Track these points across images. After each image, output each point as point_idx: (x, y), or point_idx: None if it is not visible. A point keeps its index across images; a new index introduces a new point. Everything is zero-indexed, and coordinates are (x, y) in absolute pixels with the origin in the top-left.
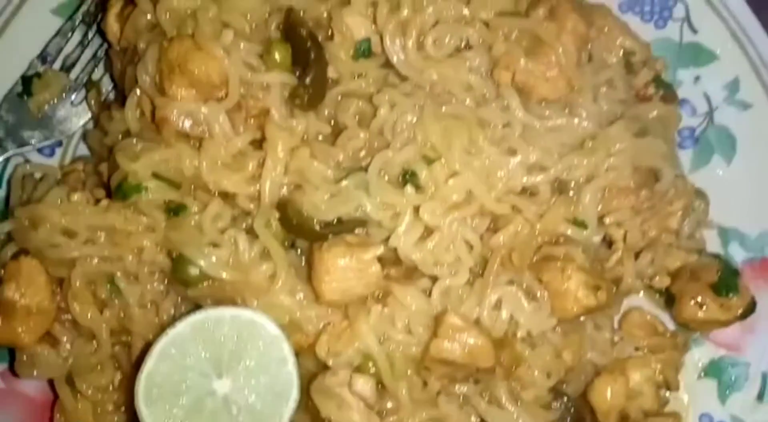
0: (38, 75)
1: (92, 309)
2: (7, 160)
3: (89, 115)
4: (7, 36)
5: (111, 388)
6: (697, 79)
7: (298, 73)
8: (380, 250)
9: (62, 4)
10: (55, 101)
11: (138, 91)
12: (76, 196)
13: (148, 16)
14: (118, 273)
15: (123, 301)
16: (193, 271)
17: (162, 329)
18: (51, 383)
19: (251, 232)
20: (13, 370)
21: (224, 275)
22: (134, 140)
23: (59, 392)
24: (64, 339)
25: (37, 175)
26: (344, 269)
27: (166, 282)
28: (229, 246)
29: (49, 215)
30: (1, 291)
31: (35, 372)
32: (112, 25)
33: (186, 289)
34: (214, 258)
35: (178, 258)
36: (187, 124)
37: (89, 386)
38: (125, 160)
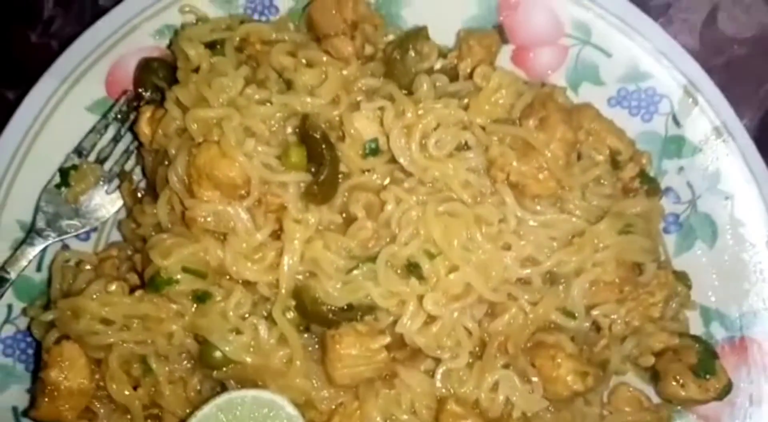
0: (74, 167)
1: (127, 388)
2: (45, 247)
3: (121, 202)
4: (46, 132)
5: None
6: (680, 169)
7: (312, 170)
8: (387, 340)
9: (96, 102)
10: (90, 191)
11: (168, 192)
12: (113, 287)
13: (177, 122)
14: (150, 355)
15: (154, 379)
16: (218, 355)
17: (189, 404)
18: None
19: (270, 318)
20: None
21: (247, 359)
22: (165, 236)
23: None
24: (101, 412)
25: (74, 261)
26: (354, 357)
27: (193, 362)
28: (250, 332)
29: (89, 307)
30: (47, 374)
31: None
32: (144, 128)
33: (212, 372)
34: (237, 344)
35: (204, 345)
36: (213, 221)
37: None
38: (158, 256)
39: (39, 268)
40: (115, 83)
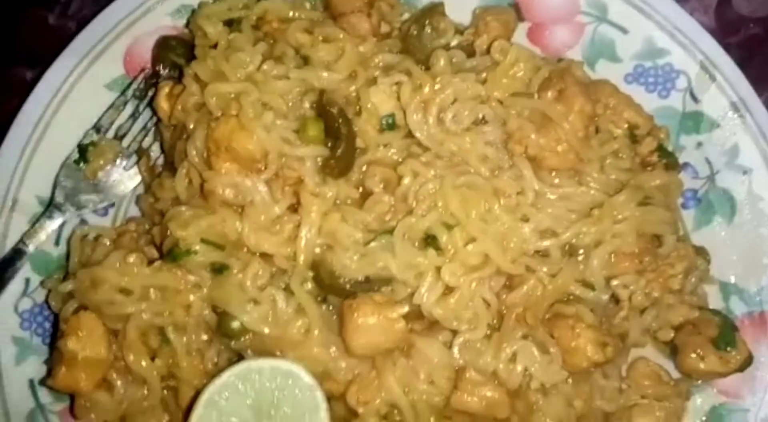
0: (93, 143)
1: (144, 358)
2: (64, 222)
3: (139, 178)
4: (65, 109)
5: None
6: (699, 144)
7: (330, 145)
8: (405, 310)
9: (114, 79)
10: (109, 167)
11: (187, 165)
12: (132, 258)
13: (196, 98)
14: (168, 326)
15: (171, 350)
16: (236, 325)
17: (207, 375)
18: None
19: (288, 290)
20: (72, 411)
21: (265, 329)
22: (183, 208)
23: None
24: (119, 384)
25: (93, 236)
26: (372, 327)
27: (210, 333)
28: (268, 302)
29: (108, 276)
30: (64, 343)
31: (92, 416)
32: (162, 104)
33: (230, 341)
34: (255, 315)
35: (222, 315)
36: (231, 193)
37: None
38: (176, 227)
39: (57, 243)
40: (133, 61)
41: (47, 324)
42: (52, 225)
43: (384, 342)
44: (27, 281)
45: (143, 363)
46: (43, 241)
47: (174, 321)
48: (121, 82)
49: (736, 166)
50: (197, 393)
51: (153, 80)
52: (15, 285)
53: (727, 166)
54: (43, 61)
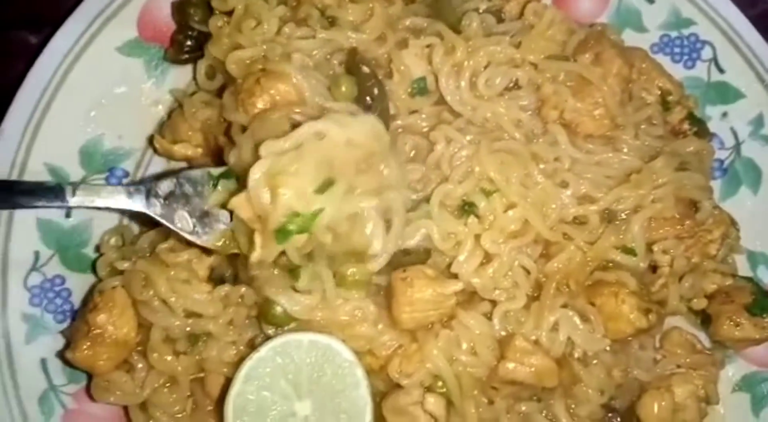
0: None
1: (169, 354)
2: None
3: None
4: (75, 72)
5: (182, 415)
6: (724, 115)
7: (362, 105)
8: (460, 286)
9: (127, 42)
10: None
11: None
12: (184, 275)
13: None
14: (202, 335)
15: (200, 350)
16: (279, 312)
17: (235, 366)
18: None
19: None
20: (88, 392)
21: (316, 317)
22: None
23: (133, 417)
24: (139, 366)
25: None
26: (425, 301)
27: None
28: (318, 294)
29: (159, 283)
30: (94, 316)
31: (112, 398)
32: None
33: (271, 328)
34: (304, 304)
35: (264, 304)
36: None
37: (163, 413)
38: None
39: (68, 215)
40: (147, 24)
41: (59, 300)
42: (125, 202)
43: (432, 316)
44: (36, 254)
45: (167, 359)
46: (87, 207)
47: (209, 334)
48: (135, 46)
49: (760, 135)
50: (228, 379)
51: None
52: (24, 257)
53: (752, 136)
54: (47, 25)
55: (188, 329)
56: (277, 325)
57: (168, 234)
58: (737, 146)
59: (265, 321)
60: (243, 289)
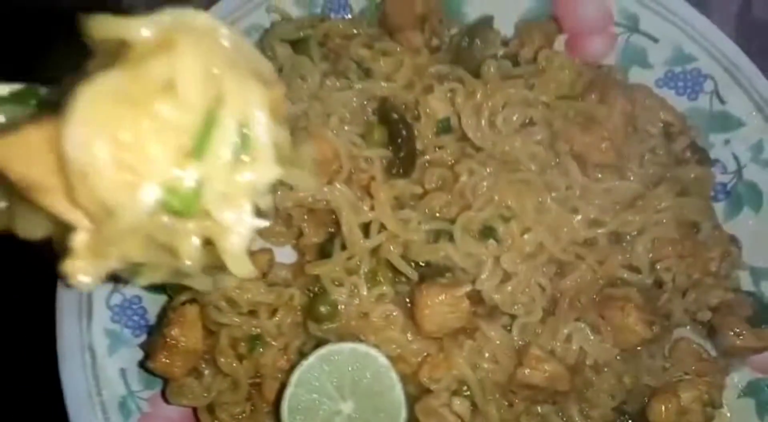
0: None
1: (234, 361)
2: None
3: None
4: None
5: (243, 416)
6: (726, 142)
7: (392, 149)
8: (469, 288)
9: None
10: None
11: None
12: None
13: None
14: (260, 339)
15: (259, 356)
16: (324, 310)
17: (287, 372)
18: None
19: (368, 277)
20: (163, 397)
21: (354, 301)
22: None
23: (201, 418)
24: (206, 373)
25: None
26: (440, 304)
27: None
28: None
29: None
30: (169, 331)
31: (184, 401)
32: None
33: (317, 327)
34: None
35: (313, 299)
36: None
37: (227, 414)
38: None
39: None
40: None
41: (136, 317)
42: None
43: (451, 321)
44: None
45: (233, 365)
46: None
47: (265, 343)
48: None
49: (761, 160)
50: (282, 384)
51: None
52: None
53: (753, 160)
54: None
55: (246, 328)
56: (320, 321)
57: None
58: (739, 170)
59: (311, 317)
60: (292, 290)
